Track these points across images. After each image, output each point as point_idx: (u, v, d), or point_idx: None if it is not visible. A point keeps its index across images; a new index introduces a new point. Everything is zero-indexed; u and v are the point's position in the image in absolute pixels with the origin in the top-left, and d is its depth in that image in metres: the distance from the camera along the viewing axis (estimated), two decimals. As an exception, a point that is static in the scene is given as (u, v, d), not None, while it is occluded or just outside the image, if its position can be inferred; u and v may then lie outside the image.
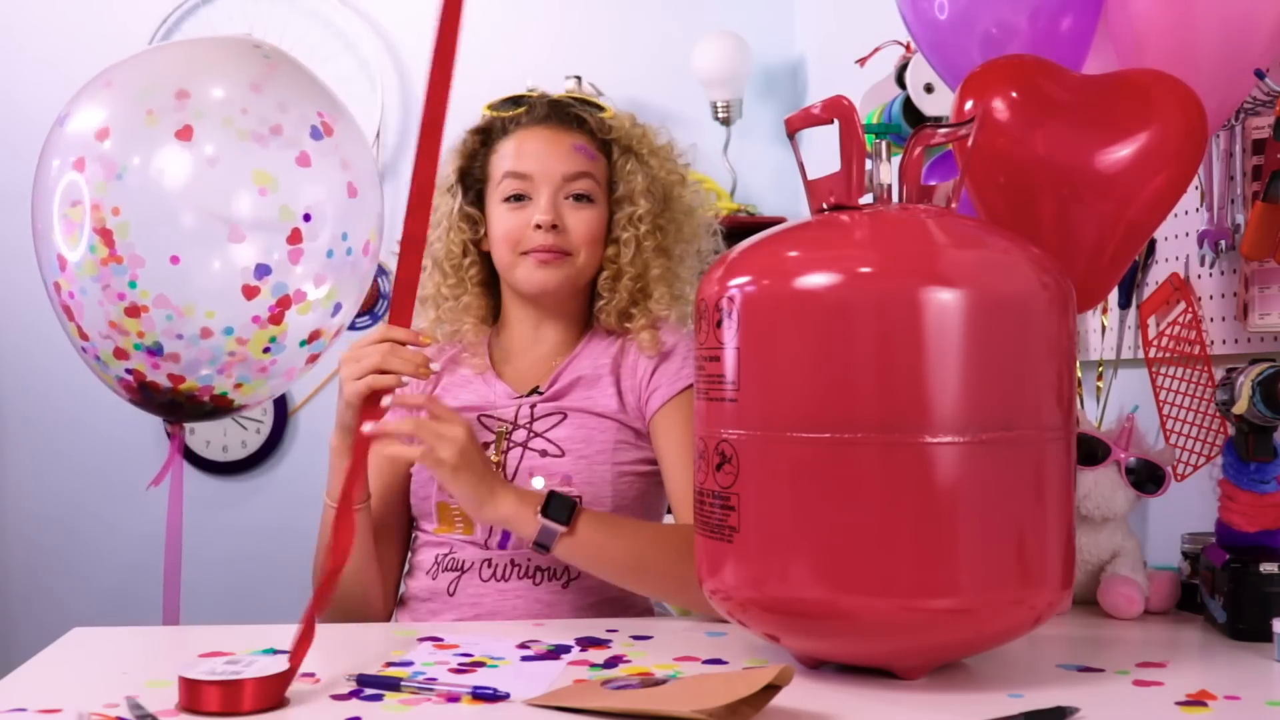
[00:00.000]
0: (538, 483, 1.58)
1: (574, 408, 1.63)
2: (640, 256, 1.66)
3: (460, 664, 1.25)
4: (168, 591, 2.26)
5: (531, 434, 1.62)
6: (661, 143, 1.73)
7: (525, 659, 1.28)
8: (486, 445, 1.62)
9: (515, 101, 1.70)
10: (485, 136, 1.71)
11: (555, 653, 1.30)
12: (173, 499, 2.27)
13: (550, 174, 1.63)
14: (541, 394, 1.65)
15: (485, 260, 1.71)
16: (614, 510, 1.59)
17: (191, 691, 1.09)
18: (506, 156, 1.66)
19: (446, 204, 1.70)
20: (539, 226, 1.61)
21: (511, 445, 1.62)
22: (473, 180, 1.70)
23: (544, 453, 1.60)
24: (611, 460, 1.60)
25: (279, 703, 1.11)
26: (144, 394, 1.98)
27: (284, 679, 1.13)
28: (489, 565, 1.59)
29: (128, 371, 1.92)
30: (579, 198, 1.64)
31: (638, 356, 1.65)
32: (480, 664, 1.25)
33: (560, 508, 1.45)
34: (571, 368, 1.66)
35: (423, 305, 1.69)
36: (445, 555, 1.62)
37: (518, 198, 1.64)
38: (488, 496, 1.45)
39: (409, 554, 1.70)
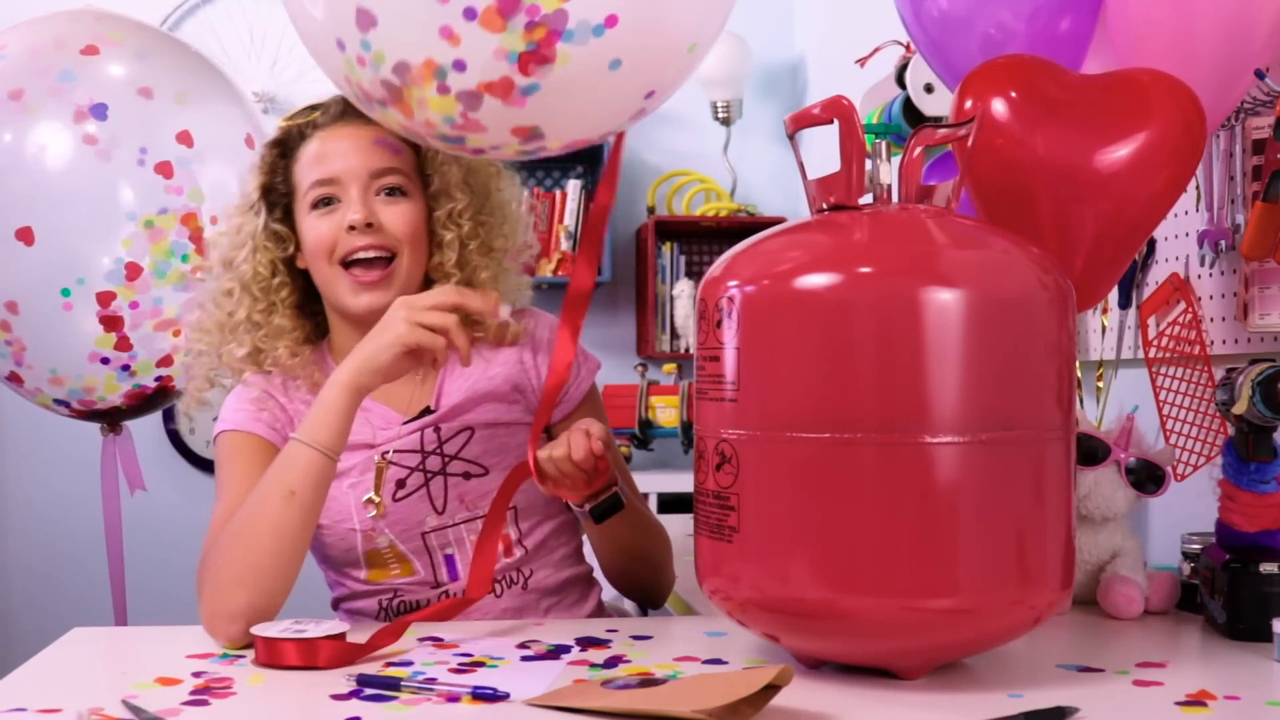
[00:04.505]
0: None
1: (480, 422, 1.56)
2: (466, 259, 1.56)
3: (460, 664, 1.25)
4: (115, 589, 2.30)
5: (446, 458, 1.55)
6: None
7: (525, 659, 1.28)
8: (401, 483, 1.54)
9: (311, 108, 1.59)
10: (283, 148, 1.58)
11: (555, 653, 1.30)
12: (108, 499, 2.39)
13: (356, 171, 1.52)
14: (434, 412, 1.57)
15: (297, 280, 1.59)
16: (548, 501, 1.56)
17: (270, 648, 1.24)
18: (308, 163, 1.54)
19: (251, 223, 1.57)
20: (353, 228, 1.50)
21: (430, 474, 1.54)
22: (278, 196, 1.58)
23: (467, 475, 1.55)
24: None
25: (350, 662, 1.25)
26: (148, 403, 2.12)
27: (358, 647, 1.26)
28: (446, 597, 1.53)
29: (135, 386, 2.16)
30: (391, 192, 1.53)
31: (518, 354, 1.60)
32: (480, 664, 1.25)
33: (604, 510, 1.46)
34: (456, 382, 1.58)
35: (234, 334, 1.56)
36: (391, 600, 1.55)
37: (326, 202, 1.53)
38: None
39: (340, 600, 1.60)
